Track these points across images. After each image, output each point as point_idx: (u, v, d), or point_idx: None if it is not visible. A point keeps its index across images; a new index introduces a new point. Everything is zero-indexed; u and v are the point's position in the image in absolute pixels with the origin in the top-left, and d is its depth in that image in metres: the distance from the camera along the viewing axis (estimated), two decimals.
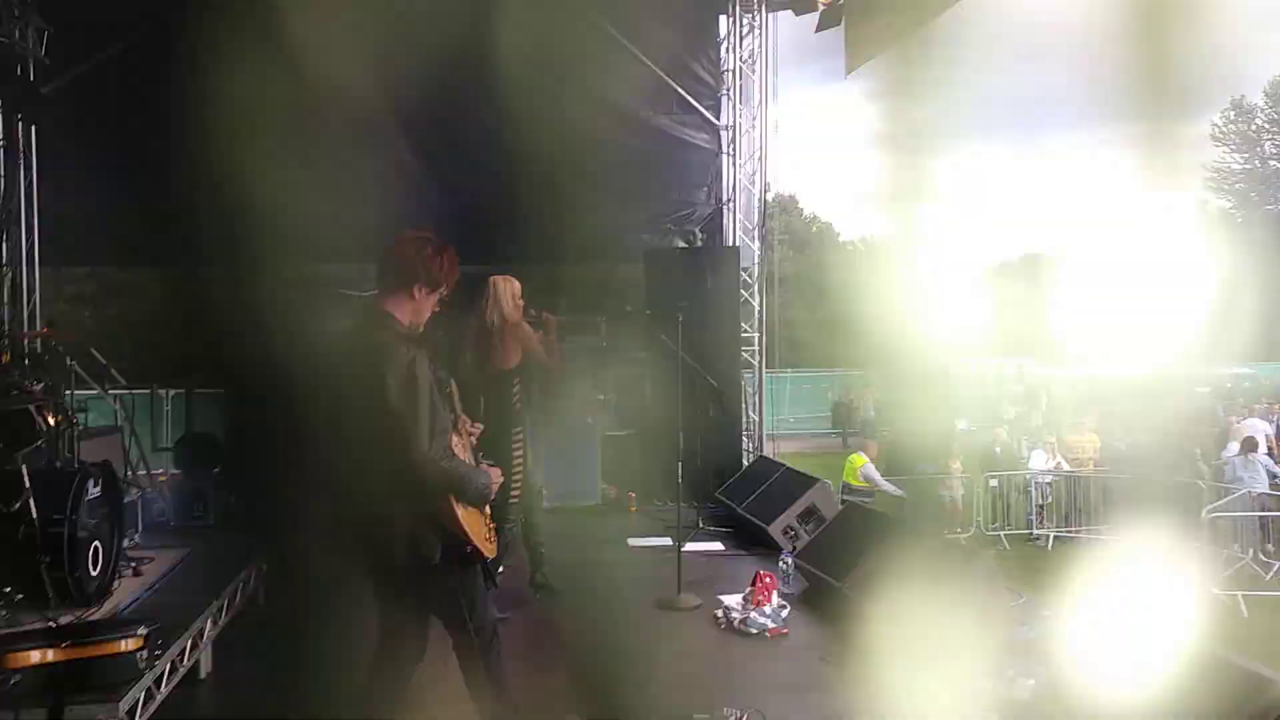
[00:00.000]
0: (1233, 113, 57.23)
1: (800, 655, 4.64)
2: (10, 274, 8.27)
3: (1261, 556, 11.20)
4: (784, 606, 5.07)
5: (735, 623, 4.96)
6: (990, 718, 3.51)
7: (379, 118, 8.85)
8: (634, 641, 4.82)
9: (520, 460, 5.34)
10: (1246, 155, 57.29)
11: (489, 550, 3.22)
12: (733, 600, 5.21)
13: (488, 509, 3.29)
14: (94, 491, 4.51)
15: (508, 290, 5.32)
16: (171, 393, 9.30)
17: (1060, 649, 4.26)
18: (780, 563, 5.64)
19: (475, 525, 3.16)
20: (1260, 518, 11.57)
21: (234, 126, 8.43)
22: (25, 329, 8.04)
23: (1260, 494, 12.13)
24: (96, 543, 4.47)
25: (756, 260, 9.23)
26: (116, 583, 4.62)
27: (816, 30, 9.03)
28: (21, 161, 8.25)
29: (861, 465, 11.81)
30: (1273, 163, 56.32)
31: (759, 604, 5.01)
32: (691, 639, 4.90)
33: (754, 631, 4.87)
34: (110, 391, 5.88)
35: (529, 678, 4.16)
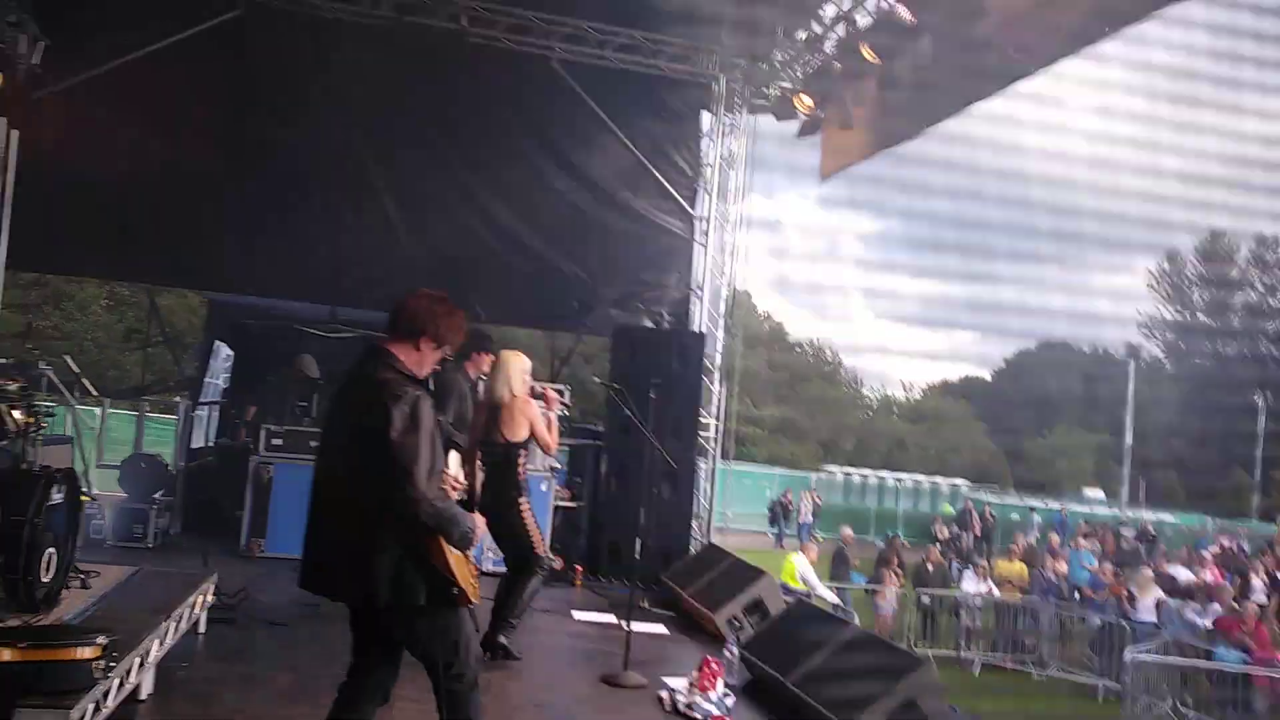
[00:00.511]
0: (1167, 264, 60.02)
1: None
2: None
3: (1181, 707, 11.37)
4: (728, 695, 5.12)
5: (680, 706, 4.98)
6: None
7: (365, 168, 9.03)
8: (579, 714, 4.84)
9: (533, 524, 5.52)
10: (1178, 307, 59.95)
11: (474, 596, 3.27)
12: (678, 683, 5.24)
13: (472, 556, 3.35)
14: (56, 497, 4.45)
15: (518, 366, 5.53)
16: (109, 409, 9.14)
17: None
18: (725, 651, 5.70)
19: (462, 569, 3.22)
20: (1181, 666, 11.72)
21: (219, 149, 8.56)
22: None
23: (1180, 642, 12.39)
24: (51, 550, 4.40)
25: (720, 350, 9.48)
26: (64, 592, 4.53)
27: (798, 135, 9.53)
28: (3, 164, 8.20)
29: (800, 568, 11.92)
30: (1201, 316, 58.99)
31: (704, 689, 5.05)
32: (637, 718, 4.92)
33: (699, 716, 4.89)
34: (77, 402, 5.78)
35: None
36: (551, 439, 5.74)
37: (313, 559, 3.35)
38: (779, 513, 27.12)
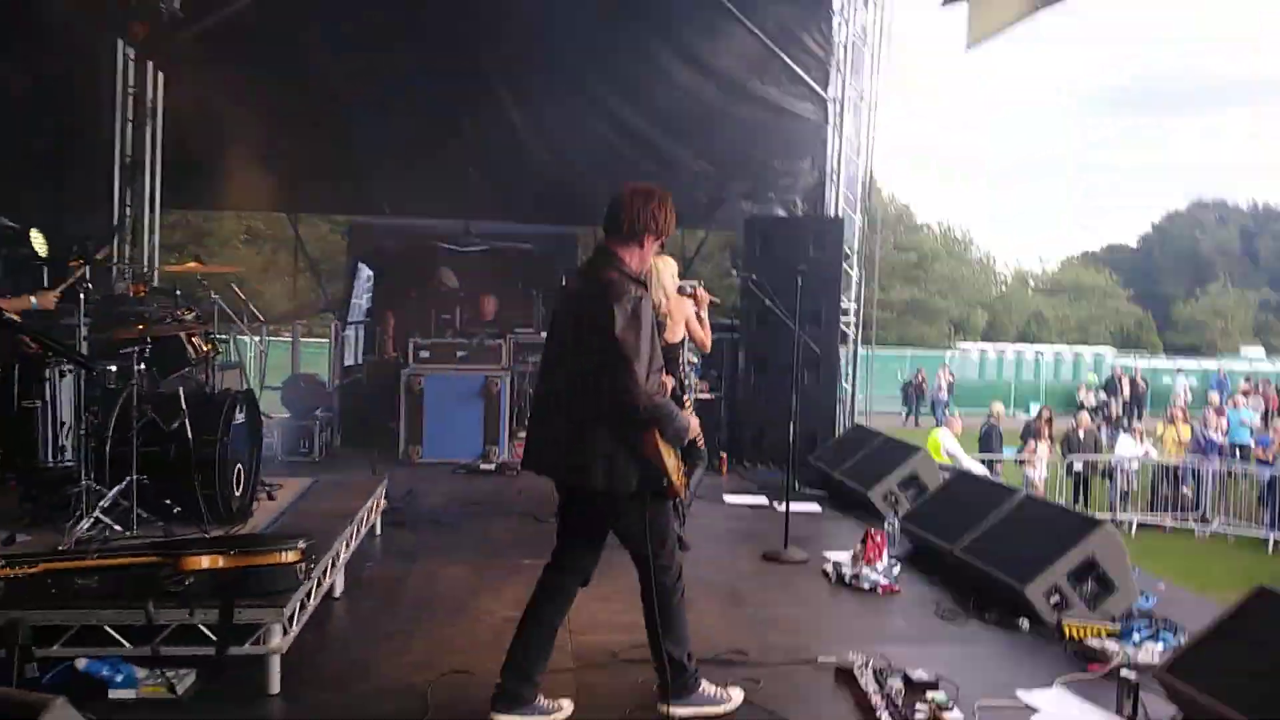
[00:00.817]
0: None
1: (914, 610, 4.67)
2: (133, 215, 8.63)
3: None
4: (895, 564, 5.11)
5: (847, 577, 5.01)
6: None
7: (487, 76, 8.97)
8: (748, 589, 4.92)
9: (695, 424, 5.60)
10: None
11: (682, 492, 3.41)
12: (842, 556, 5.26)
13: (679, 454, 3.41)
14: (239, 418, 4.74)
15: (667, 270, 5.58)
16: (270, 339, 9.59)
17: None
18: (886, 524, 5.67)
19: (673, 463, 3.30)
20: None
21: (349, 79, 8.67)
22: (145, 267, 8.39)
23: None
24: (239, 465, 4.70)
25: (858, 233, 9.18)
26: (255, 505, 4.86)
27: (942, 4, 8.86)
28: (149, 108, 8.56)
29: (945, 442, 11.70)
30: None
31: (870, 561, 5.05)
32: (803, 590, 4.98)
33: (866, 587, 4.91)
34: (250, 327, 6.10)
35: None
36: (706, 335, 5.81)
37: (536, 442, 3.49)
38: (912, 393, 26.67)
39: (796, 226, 8.77)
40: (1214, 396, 18.51)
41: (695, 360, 9.29)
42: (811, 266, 7.92)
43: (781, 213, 9.30)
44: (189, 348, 4.79)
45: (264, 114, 8.49)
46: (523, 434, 8.28)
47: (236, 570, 3.54)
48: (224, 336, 5.99)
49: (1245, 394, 21.86)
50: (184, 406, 4.35)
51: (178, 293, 5.08)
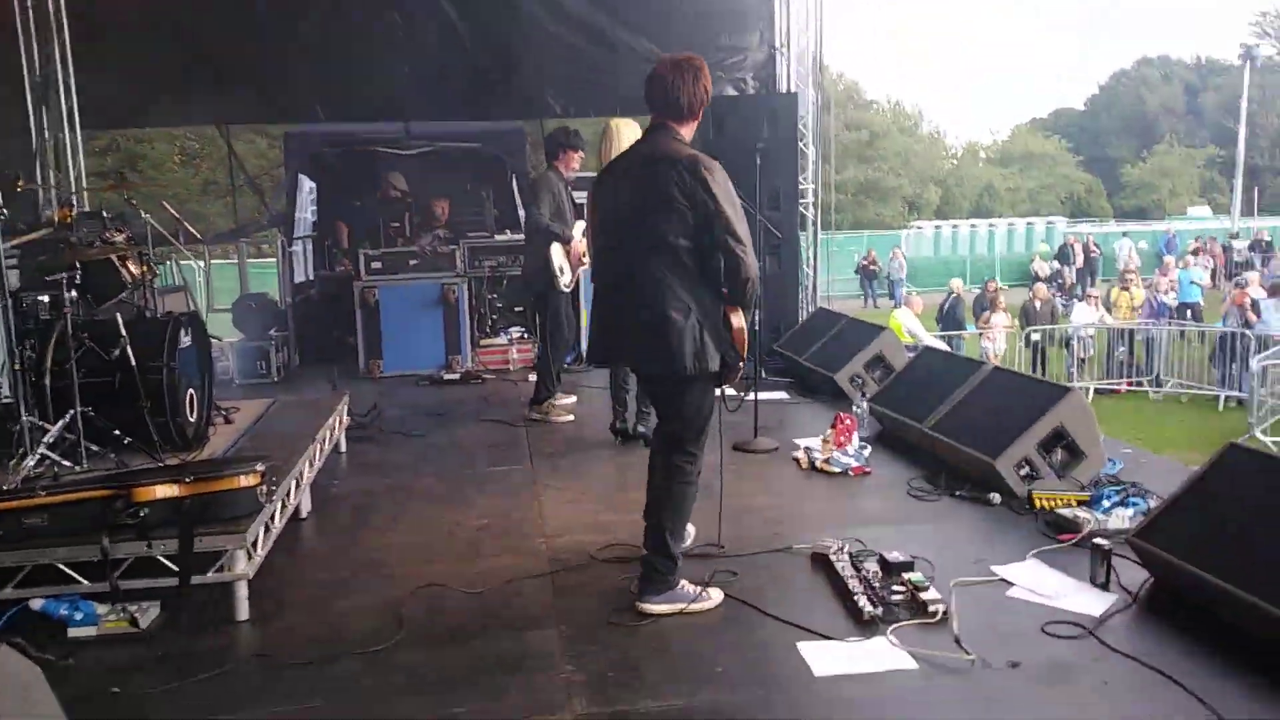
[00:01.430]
0: None
1: (886, 491, 4.70)
2: (54, 139, 8.14)
3: None
4: (865, 446, 5.12)
5: (818, 462, 5.01)
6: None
7: None
8: (719, 479, 4.89)
9: None
10: None
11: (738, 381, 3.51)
12: (812, 442, 5.26)
13: None
14: (185, 340, 4.54)
15: (630, 134, 5.29)
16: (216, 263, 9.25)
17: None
18: (855, 407, 5.66)
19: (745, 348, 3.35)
20: None
21: None
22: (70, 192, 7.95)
23: None
24: (191, 390, 4.53)
25: (811, 110, 8.90)
26: (211, 430, 4.71)
27: None
28: (53, 23, 7.97)
29: (906, 322, 11.76)
30: None
31: (840, 445, 5.05)
32: (775, 478, 4.97)
33: (837, 470, 4.92)
34: (192, 249, 5.81)
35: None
36: None
37: (609, 333, 3.45)
38: (865, 275, 26.76)
39: (750, 105, 8.47)
40: (1167, 259, 18.74)
41: None
42: (768, 146, 7.70)
43: (733, 92, 8.99)
44: (123, 271, 4.54)
45: (178, 20, 7.99)
46: (484, 341, 8.28)
47: (193, 498, 3.42)
48: (161, 260, 5.70)
49: (1194, 253, 22.22)
50: (123, 333, 4.14)
51: (105, 215, 4.78)
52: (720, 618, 3.35)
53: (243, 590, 3.41)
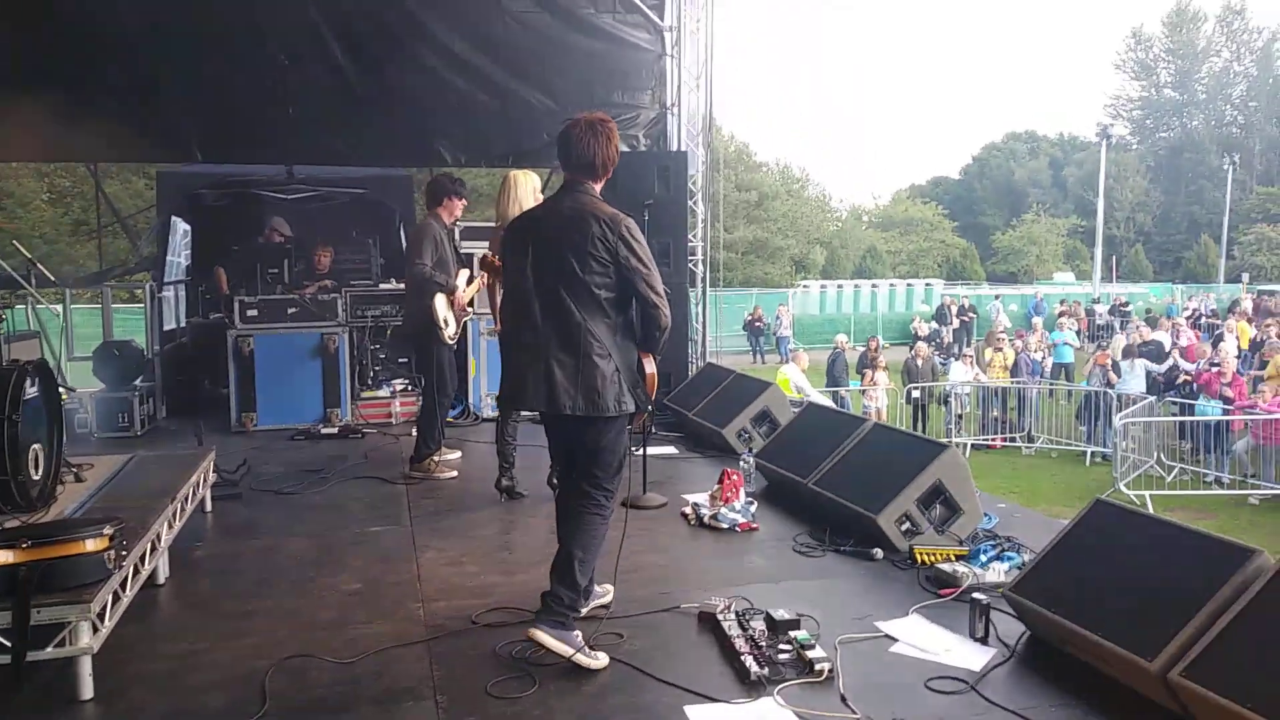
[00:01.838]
0: (1133, 40, 58.91)
1: (773, 546, 4.69)
2: None
3: (1166, 460, 11.87)
4: (751, 502, 5.12)
5: (705, 518, 4.98)
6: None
7: (306, 13, 8.30)
8: (610, 539, 4.79)
9: None
10: (1144, 83, 59.20)
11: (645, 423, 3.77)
12: (700, 498, 5.23)
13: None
14: (31, 391, 4.20)
15: (528, 185, 5.27)
16: (70, 303, 8.71)
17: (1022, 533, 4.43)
18: (741, 462, 5.67)
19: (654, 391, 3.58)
20: (1165, 424, 12.16)
21: (147, 13, 7.85)
22: None
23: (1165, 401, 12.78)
24: (36, 445, 4.18)
25: (701, 169, 9.08)
26: (60, 488, 4.35)
27: None
28: None
29: (794, 378, 11.99)
30: (1168, 91, 58.34)
31: (727, 500, 5.04)
32: (664, 534, 4.91)
33: (725, 526, 4.90)
34: (36, 290, 5.42)
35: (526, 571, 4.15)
36: None
37: (529, 379, 3.49)
38: (754, 330, 27.33)
39: (641, 162, 8.57)
40: (1036, 320, 19.76)
41: None
42: (658, 203, 7.77)
43: (625, 148, 9.09)
44: None
45: (48, 50, 7.61)
46: (365, 394, 8.00)
47: (31, 564, 3.11)
48: (9, 300, 5.31)
49: (1062, 315, 23.50)
50: None
51: None
52: (605, 683, 3.23)
53: (86, 666, 3.11)
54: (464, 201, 6.25)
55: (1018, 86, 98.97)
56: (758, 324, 27.36)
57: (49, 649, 3.05)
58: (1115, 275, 41.38)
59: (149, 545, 3.87)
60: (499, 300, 5.49)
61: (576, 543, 3.48)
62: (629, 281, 3.42)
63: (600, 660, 3.34)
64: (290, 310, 7.70)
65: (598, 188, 3.57)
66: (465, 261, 6.46)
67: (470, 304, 6.49)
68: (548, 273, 3.48)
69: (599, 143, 3.51)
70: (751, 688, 3.14)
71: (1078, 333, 22.48)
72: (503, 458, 5.57)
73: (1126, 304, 29.50)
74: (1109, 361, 14.25)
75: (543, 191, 5.56)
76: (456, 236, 7.76)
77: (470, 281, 6.31)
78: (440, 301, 5.97)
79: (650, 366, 3.53)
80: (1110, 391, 13.19)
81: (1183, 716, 2.85)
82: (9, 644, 3.01)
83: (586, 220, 3.42)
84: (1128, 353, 14.81)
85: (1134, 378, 13.70)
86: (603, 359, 3.40)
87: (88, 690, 3.10)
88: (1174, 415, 12.53)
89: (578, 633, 3.37)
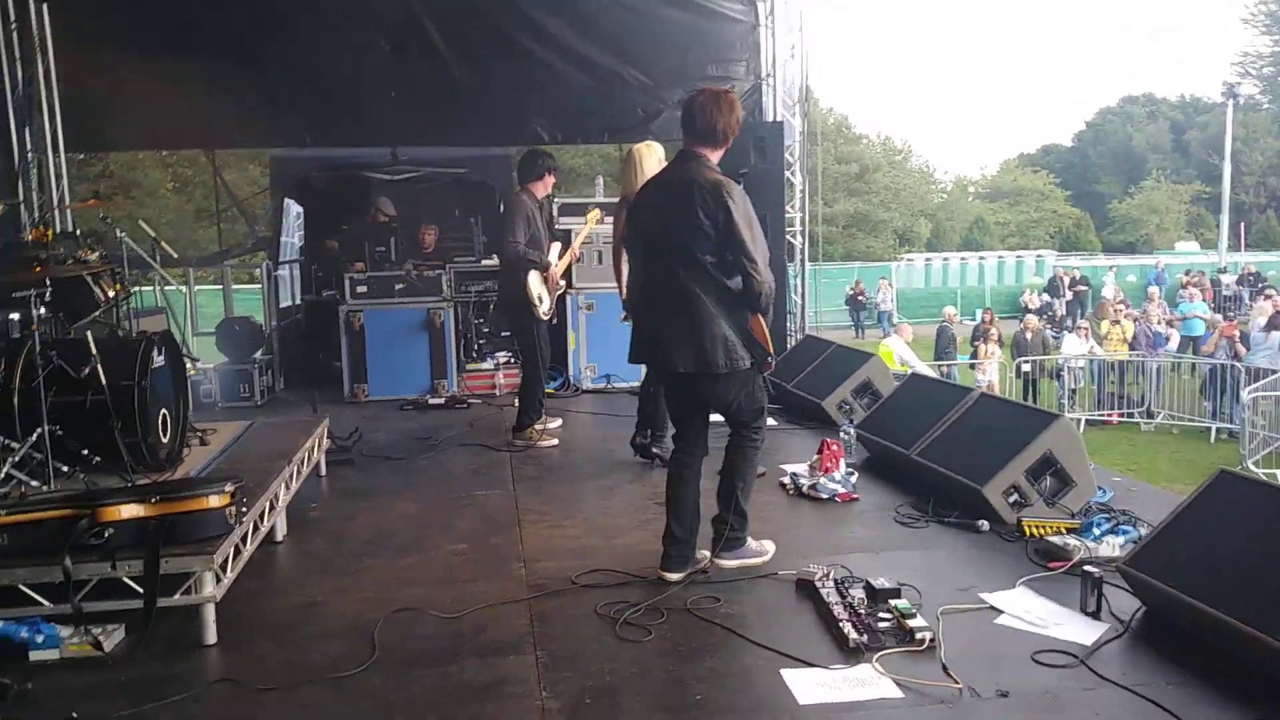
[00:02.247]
0: None
1: (873, 517, 4.62)
2: (38, 160, 8.09)
3: None
4: (852, 472, 5.04)
5: (804, 488, 4.93)
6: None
7: (411, 10, 8.47)
8: (706, 506, 4.80)
9: None
10: (1276, 38, 55.37)
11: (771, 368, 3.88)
12: (798, 468, 5.18)
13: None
14: (159, 360, 4.45)
15: (652, 157, 5.31)
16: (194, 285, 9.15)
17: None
18: (841, 433, 5.59)
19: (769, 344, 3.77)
20: None
21: (259, 15, 8.15)
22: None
23: None
24: (164, 410, 4.44)
25: (798, 138, 8.93)
26: (186, 451, 4.61)
27: None
28: (37, 43, 7.95)
29: (897, 350, 11.73)
30: None
31: (827, 470, 4.97)
32: (761, 504, 4.83)
33: (824, 496, 4.84)
34: (162, 267, 5.73)
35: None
36: None
37: (649, 338, 3.85)
38: (856, 305, 26.80)
39: (739, 133, 8.51)
40: (1153, 290, 18.78)
41: None
42: (755, 174, 7.69)
43: None
44: (96, 290, 4.46)
45: (166, 43, 7.97)
46: (470, 366, 8.20)
47: (160, 518, 3.31)
48: (141, 282, 5.63)
49: (1185, 287, 22.30)
50: (94, 351, 4.06)
51: (78, 233, 4.70)
52: (701, 645, 3.25)
53: (210, 614, 3.30)
54: (554, 176, 6.30)
55: (1134, 48, 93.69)
56: (860, 298, 26.83)
57: (176, 596, 3.25)
58: (1244, 244, 39.00)
59: (268, 504, 4.07)
60: (624, 272, 5.56)
61: (737, 476, 3.84)
62: (729, 246, 3.58)
63: (770, 549, 3.96)
64: (398, 286, 7.93)
65: (714, 157, 3.74)
66: (555, 234, 6.52)
67: (564, 278, 6.54)
68: (658, 240, 3.74)
69: (720, 111, 3.69)
70: (849, 654, 3.10)
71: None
72: (644, 416, 5.62)
73: (1258, 273, 27.77)
74: (1236, 333, 13.45)
75: None
76: (554, 212, 7.86)
77: (562, 255, 6.37)
78: (534, 279, 6.04)
79: (759, 324, 3.70)
80: (1238, 364, 12.46)
81: None
82: (141, 590, 3.22)
83: (690, 188, 3.61)
84: (1273, 324, 13.70)
85: (1264, 351, 12.88)
86: (712, 321, 3.61)
87: (211, 636, 3.29)
88: None
89: (750, 542, 3.90)
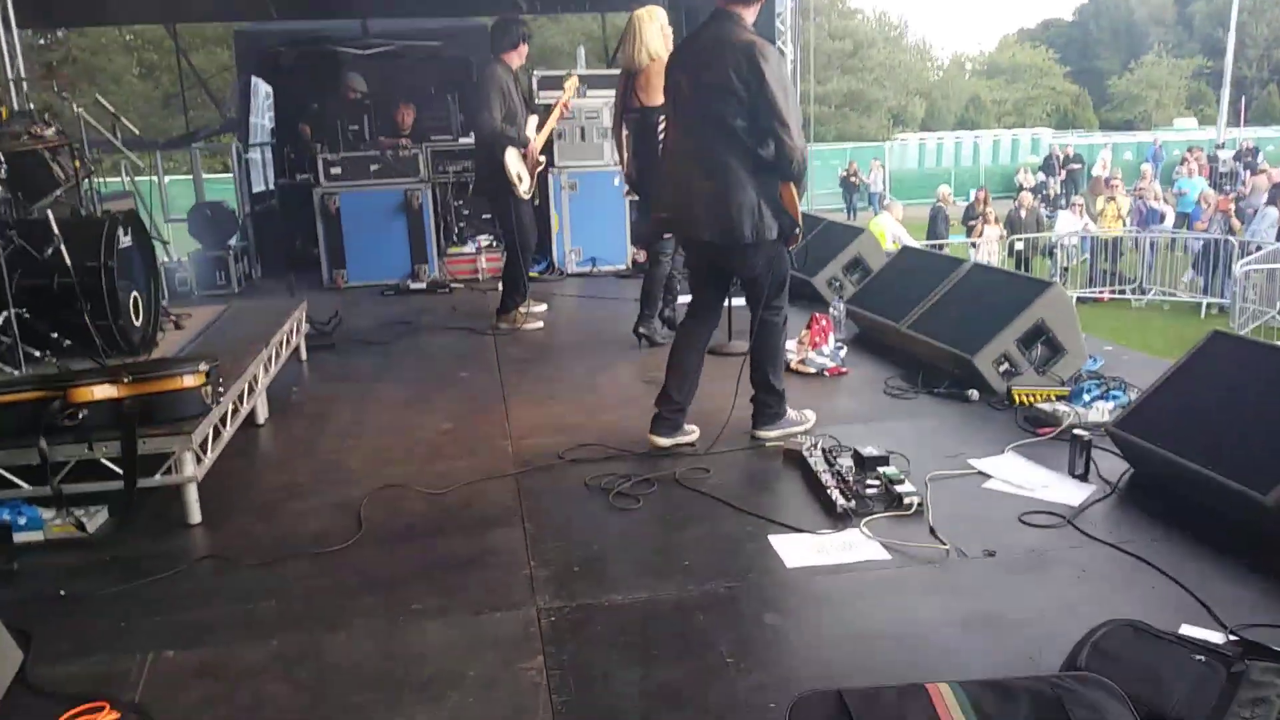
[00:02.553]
0: None
1: (862, 390, 4.58)
2: None
3: None
4: (841, 347, 4.99)
5: (793, 363, 4.87)
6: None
7: None
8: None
9: None
10: None
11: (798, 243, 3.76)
12: (787, 344, 5.10)
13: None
14: (125, 240, 4.29)
15: (654, 23, 5.04)
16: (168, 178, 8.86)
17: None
18: (831, 309, 5.51)
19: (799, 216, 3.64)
20: None
21: None
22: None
23: None
24: (135, 293, 4.30)
25: (790, 5, 8.52)
26: (160, 335, 4.50)
27: None
28: None
29: (889, 227, 11.57)
30: None
31: (815, 345, 4.91)
32: (747, 381, 4.82)
33: (813, 371, 4.80)
34: (128, 149, 5.50)
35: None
36: None
37: (670, 203, 3.77)
38: (846, 187, 26.36)
39: None
40: (1145, 168, 18.46)
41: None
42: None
43: None
44: (55, 167, 4.26)
45: None
46: (452, 250, 8.03)
47: (134, 398, 3.24)
48: (100, 161, 5.40)
49: (1184, 163, 21.93)
50: (55, 230, 3.89)
51: (31, 109, 4.48)
52: (689, 514, 3.23)
53: (193, 493, 3.27)
54: (527, 46, 5.97)
55: None
56: (852, 179, 26.37)
57: (157, 476, 3.21)
58: (1244, 119, 38.26)
59: (246, 386, 4.00)
60: (626, 148, 5.36)
61: (765, 360, 3.81)
62: (761, 111, 3.41)
63: (811, 417, 3.96)
64: (373, 167, 7.68)
65: (749, 14, 3.54)
66: (532, 107, 6.23)
67: (543, 154, 6.30)
68: (688, 105, 3.60)
69: None
70: (837, 519, 3.10)
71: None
72: (647, 303, 5.49)
73: (1255, 149, 27.33)
74: (1231, 207, 13.29)
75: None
76: (533, 85, 7.56)
77: (540, 128, 6.08)
78: (512, 156, 5.77)
79: (790, 194, 3.55)
80: (1232, 239, 12.35)
81: None
82: (120, 471, 3.17)
83: (723, 51, 3.44)
84: (1272, 199, 13.51)
85: (1261, 225, 12.75)
86: (740, 189, 3.47)
87: (196, 515, 3.26)
88: None
89: (789, 413, 3.89)
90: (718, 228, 3.54)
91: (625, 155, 5.44)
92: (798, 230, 3.63)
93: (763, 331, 3.78)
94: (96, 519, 3.25)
